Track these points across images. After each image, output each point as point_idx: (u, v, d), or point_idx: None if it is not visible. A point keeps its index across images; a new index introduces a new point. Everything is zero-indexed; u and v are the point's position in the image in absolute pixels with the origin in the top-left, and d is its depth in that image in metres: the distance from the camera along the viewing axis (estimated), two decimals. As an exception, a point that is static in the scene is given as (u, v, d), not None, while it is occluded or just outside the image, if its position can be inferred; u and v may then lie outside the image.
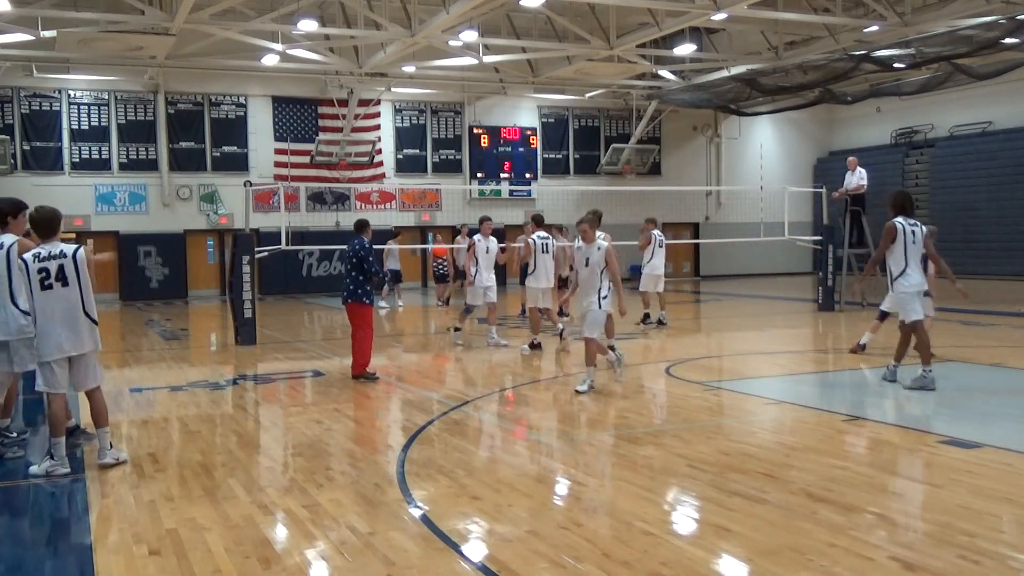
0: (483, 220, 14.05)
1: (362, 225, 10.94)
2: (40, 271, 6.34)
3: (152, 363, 12.49)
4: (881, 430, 7.59)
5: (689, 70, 26.28)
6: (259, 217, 22.77)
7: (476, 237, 13.67)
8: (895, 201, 9.33)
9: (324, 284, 25.45)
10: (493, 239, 13.73)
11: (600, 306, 9.20)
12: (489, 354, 12.65)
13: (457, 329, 13.97)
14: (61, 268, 6.35)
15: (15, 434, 7.28)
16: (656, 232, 15.55)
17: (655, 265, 15.42)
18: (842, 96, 24.74)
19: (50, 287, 6.34)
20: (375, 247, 11.22)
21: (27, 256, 6.45)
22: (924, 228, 9.27)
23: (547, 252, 13.19)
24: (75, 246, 6.52)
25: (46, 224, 6.57)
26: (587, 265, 9.26)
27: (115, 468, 6.54)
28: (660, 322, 15.39)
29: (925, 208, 29.01)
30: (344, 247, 11.44)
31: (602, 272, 9.16)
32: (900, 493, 5.67)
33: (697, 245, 30.68)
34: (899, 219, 9.12)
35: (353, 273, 10.40)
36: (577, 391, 9.17)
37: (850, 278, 18.32)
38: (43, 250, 6.43)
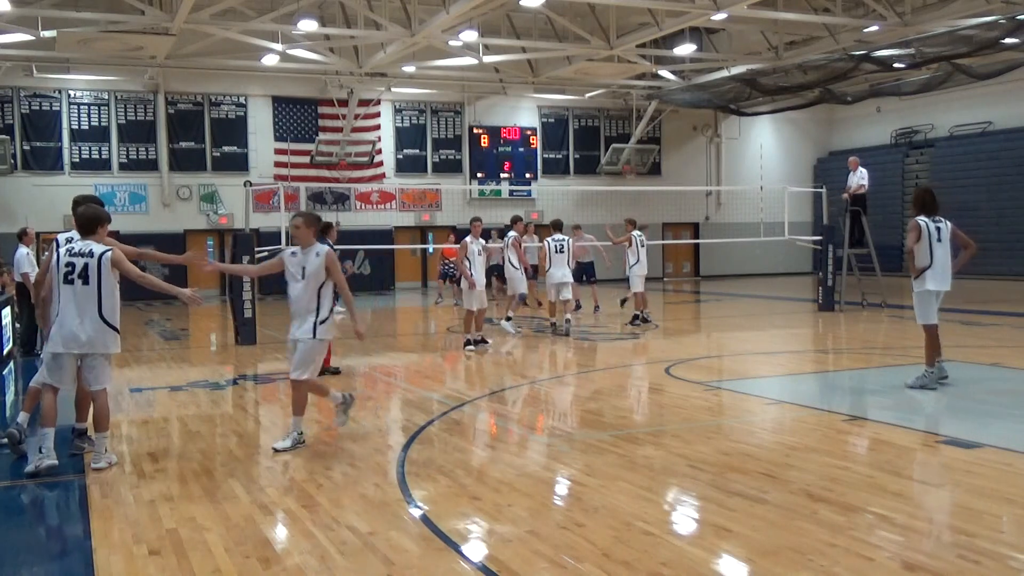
0: (473, 221, 13.41)
1: (326, 227, 11.12)
2: (67, 264, 6.48)
3: (152, 363, 12.50)
4: (881, 430, 7.58)
5: (689, 70, 26.27)
6: (259, 217, 22.75)
7: (467, 239, 12.92)
8: (917, 199, 9.22)
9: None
10: (483, 240, 13.17)
11: (316, 335, 7.00)
12: (488, 354, 12.63)
13: (508, 319, 14.42)
14: (86, 267, 6.46)
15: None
16: (636, 232, 15.72)
17: (643, 264, 15.58)
18: (842, 96, 24.75)
19: (71, 282, 6.46)
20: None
21: (60, 238, 6.67)
22: (950, 225, 9.11)
23: (561, 252, 14.30)
24: (104, 248, 6.57)
25: (82, 226, 6.70)
26: (302, 277, 7.02)
27: (115, 468, 6.54)
28: (645, 319, 15.59)
29: (925, 208, 29.02)
30: (343, 247, 11.60)
31: (322, 288, 7.04)
32: (900, 493, 5.67)
33: (697, 245, 30.69)
34: (922, 217, 9.03)
35: None
36: (275, 449, 6.97)
37: (849, 278, 18.33)
38: (76, 244, 6.58)
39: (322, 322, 7.05)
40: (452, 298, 21.26)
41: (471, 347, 12.76)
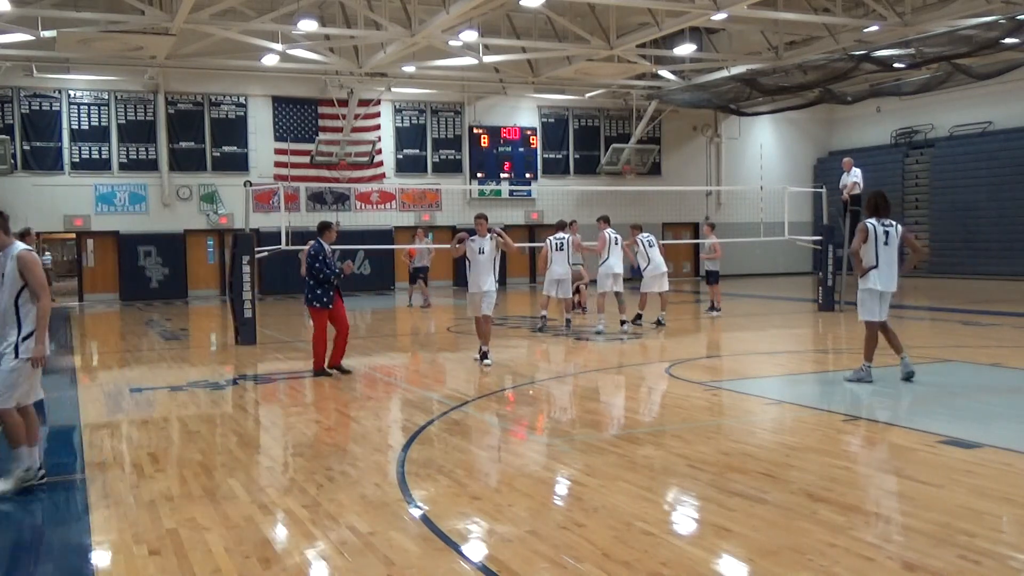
0: (477, 218, 11.70)
1: (323, 227, 10.85)
2: None
3: (152, 363, 12.49)
4: (881, 430, 7.59)
5: (689, 70, 26.28)
6: (259, 217, 22.78)
7: (472, 238, 11.49)
8: (869, 202, 9.58)
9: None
10: (489, 238, 11.45)
11: (19, 353, 5.80)
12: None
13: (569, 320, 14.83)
14: None
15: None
16: (641, 236, 15.52)
17: (654, 266, 15.41)
18: (842, 96, 24.76)
19: None
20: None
21: None
22: (900, 228, 9.44)
23: (561, 250, 14.57)
24: None
25: None
26: (2, 285, 5.87)
27: (115, 468, 6.54)
28: (659, 322, 15.51)
29: (925, 208, 29.04)
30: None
31: (19, 297, 5.82)
32: (900, 493, 5.67)
33: (697, 245, 30.68)
34: (871, 220, 9.34)
35: (305, 278, 10.71)
36: None
37: (849, 278, 18.34)
38: None
39: (24, 338, 5.81)
40: (421, 298, 20.89)
41: (487, 360, 11.32)
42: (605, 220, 15.11)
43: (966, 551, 4.49)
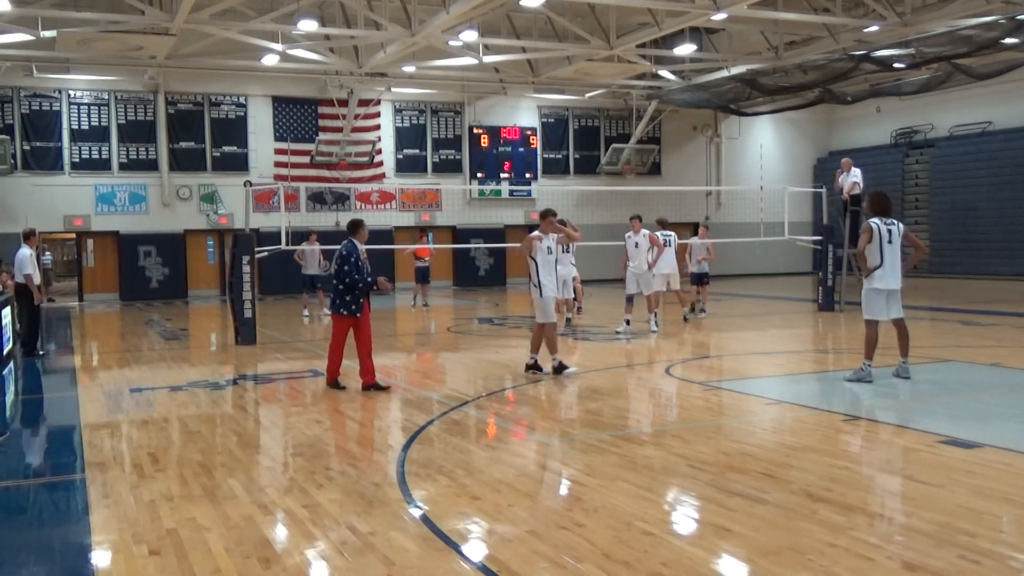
0: (547, 215, 10.75)
1: (353, 226, 9.80)
2: None
3: (152, 363, 12.49)
4: (881, 430, 7.59)
5: (689, 70, 26.28)
6: (259, 217, 22.77)
7: (535, 232, 10.64)
8: (871, 201, 9.72)
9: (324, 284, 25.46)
10: (554, 237, 10.59)
11: None
12: (488, 354, 12.63)
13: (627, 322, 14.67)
14: None
15: None
16: (658, 233, 15.48)
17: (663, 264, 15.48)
18: (842, 96, 24.76)
19: None
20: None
21: None
22: (902, 226, 9.56)
23: (567, 251, 14.08)
24: None
25: None
26: None
27: (115, 468, 6.54)
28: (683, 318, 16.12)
29: (925, 208, 29.03)
30: (335, 248, 10.86)
31: None
32: (900, 493, 5.67)
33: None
34: (875, 219, 9.43)
35: (334, 281, 9.63)
36: None
37: (849, 278, 18.34)
38: None
39: None
40: (423, 299, 20.98)
41: (571, 369, 10.51)
42: (639, 219, 14.93)
43: (966, 551, 4.49)
